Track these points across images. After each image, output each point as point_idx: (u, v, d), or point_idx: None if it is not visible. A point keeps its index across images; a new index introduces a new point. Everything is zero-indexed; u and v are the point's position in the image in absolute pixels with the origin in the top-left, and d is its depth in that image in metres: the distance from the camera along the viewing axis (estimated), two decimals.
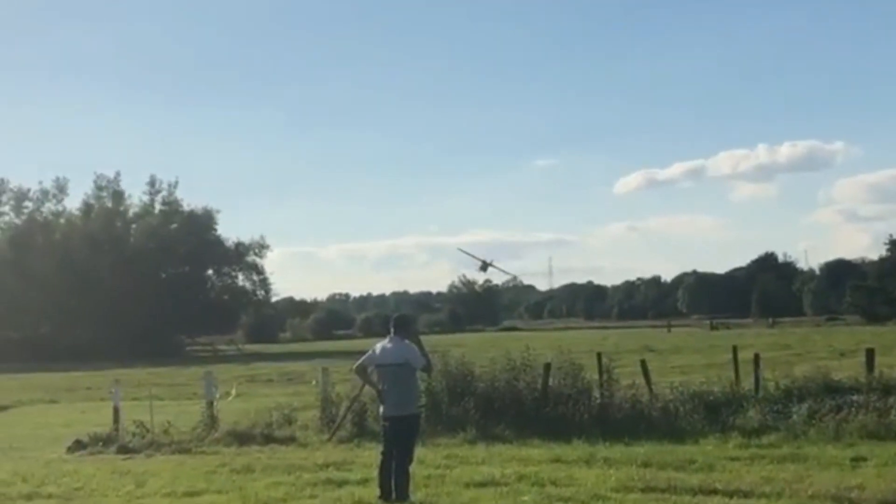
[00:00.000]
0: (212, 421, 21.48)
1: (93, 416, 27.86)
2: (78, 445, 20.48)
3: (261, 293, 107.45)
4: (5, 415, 33.16)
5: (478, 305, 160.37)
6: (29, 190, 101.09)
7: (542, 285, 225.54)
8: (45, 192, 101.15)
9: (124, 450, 19.68)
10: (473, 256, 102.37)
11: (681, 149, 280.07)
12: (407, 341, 13.17)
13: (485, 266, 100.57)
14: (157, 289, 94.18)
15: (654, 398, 20.17)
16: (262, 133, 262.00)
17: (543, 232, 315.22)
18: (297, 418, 21.80)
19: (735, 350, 22.39)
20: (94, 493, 14.52)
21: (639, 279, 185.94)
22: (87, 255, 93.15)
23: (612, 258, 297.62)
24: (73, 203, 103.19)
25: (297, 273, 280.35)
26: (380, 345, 13.38)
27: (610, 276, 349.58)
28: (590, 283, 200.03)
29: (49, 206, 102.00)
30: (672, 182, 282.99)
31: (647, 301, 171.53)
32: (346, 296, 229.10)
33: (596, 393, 20.19)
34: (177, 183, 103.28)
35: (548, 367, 20.54)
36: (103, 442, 20.49)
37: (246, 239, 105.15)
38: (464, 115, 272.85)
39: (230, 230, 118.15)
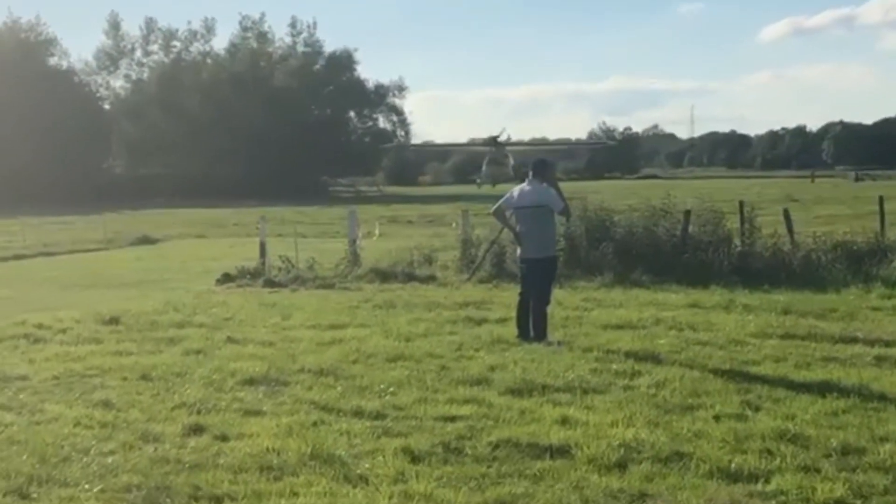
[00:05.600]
0: (354, 258, 21.98)
1: (240, 250, 28.74)
2: (226, 278, 21.16)
3: (401, 134, 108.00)
4: (156, 248, 34.51)
5: (617, 153, 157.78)
6: (177, 30, 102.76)
7: (683, 134, 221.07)
8: (192, 33, 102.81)
9: (270, 283, 20.27)
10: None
11: None
12: (545, 184, 13.23)
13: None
14: (300, 130, 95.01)
15: (796, 247, 19.86)
16: None
17: (685, 80, 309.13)
18: (437, 258, 22.20)
19: (881, 200, 21.87)
20: (243, 323, 15.00)
21: (783, 129, 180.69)
22: (232, 96, 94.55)
23: (755, 107, 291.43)
24: (219, 44, 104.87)
25: (436, 118, 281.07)
26: (518, 188, 13.49)
27: (753, 125, 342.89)
28: (732, 132, 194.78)
29: (196, 47, 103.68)
30: (820, 30, 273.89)
31: (790, 151, 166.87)
32: None
33: (736, 241, 19.96)
34: (315, 24, 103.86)
35: (688, 213, 20.35)
36: (250, 275, 21.13)
37: (385, 81, 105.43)
38: None
39: (369, 74, 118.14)
